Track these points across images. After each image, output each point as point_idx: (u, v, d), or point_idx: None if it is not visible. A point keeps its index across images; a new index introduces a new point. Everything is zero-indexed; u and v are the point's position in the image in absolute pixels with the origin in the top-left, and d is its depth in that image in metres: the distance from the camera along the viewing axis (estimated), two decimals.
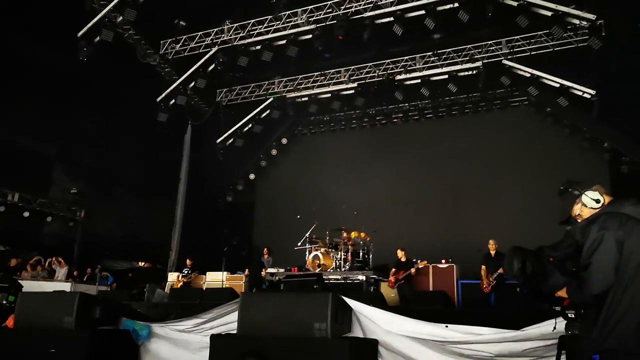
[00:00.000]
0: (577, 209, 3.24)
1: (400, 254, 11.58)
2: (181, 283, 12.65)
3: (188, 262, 13.28)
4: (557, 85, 13.48)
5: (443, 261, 12.40)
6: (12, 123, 12.48)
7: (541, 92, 13.80)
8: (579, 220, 3.21)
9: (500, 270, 9.50)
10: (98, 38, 12.65)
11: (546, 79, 13.65)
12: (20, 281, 8.43)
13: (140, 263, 17.19)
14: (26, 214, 13.43)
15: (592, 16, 11.49)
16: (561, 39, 13.19)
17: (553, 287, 3.21)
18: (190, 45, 14.97)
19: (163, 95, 15.12)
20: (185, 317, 6.07)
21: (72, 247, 14.58)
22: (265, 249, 13.97)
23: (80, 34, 12.68)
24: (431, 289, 11.84)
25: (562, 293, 3.13)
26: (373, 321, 5.06)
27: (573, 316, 3.27)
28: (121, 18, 13.09)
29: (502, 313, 6.85)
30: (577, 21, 11.83)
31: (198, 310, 6.07)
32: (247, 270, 13.03)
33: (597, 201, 3.13)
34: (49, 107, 13.06)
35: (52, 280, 12.41)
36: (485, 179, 15.57)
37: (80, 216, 14.71)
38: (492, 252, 10.26)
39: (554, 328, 3.80)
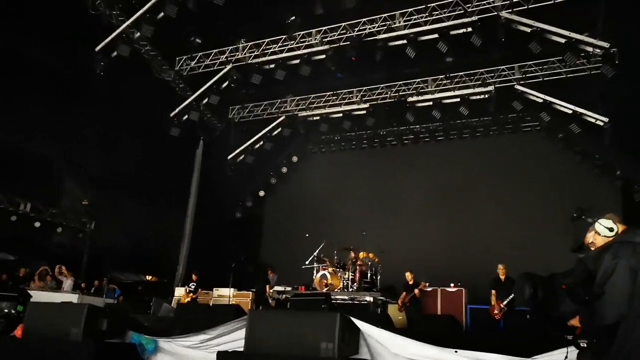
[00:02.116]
0: (590, 237, 3.23)
1: (408, 276, 11.52)
2: (189, 298, 12.62)
3: (193, 277, 13.28)
4: (570, 111, 13.46)
5: (452, 285, 12.30)
6: (26, 133, 12.66)
7: (553, 118, 13.80)
8: (592, 249, 3.20)
9: (512, 296, 9.38)
10: (115, 53, 12.87)
11: (558, 104, 13.63)
12: (29, 291, 8.47)
13: (147, 276, 17.19)
14: (37, 224, 13.53)
15: (605, 44, 11.51)
16: (574, 66, 13.22)
17: (564, 315, 3.19)
18: (205, 63, 15.18)
19: (177, 110, 15.29)
20: (191, 332, 6.06)
21: (80, 258, 14.63)
22: (268, 268, 13.90)
23: (98, 48, 12.90)
24: (439, 312, 11.72)
25: (575, 322, 3.11)
26: (381, 343, 5.03)
27: (585, 345, 3.23)
28: (138, 34, 13.31)
29: (512, 340, 6.77)
30: (590, 49, 11.86)
31: (204, 326, 6.06)
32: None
33: (611, 229, 3.13)
34: (62, 118, 13.20)
35: (60, 291, 12.43)
36: (494, 202, 15.49)
37: (90, 227, 14.79)
38: (502, 277, 10.15)
39: (566, 357, 3.74)
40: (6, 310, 7.23)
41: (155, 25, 12.59)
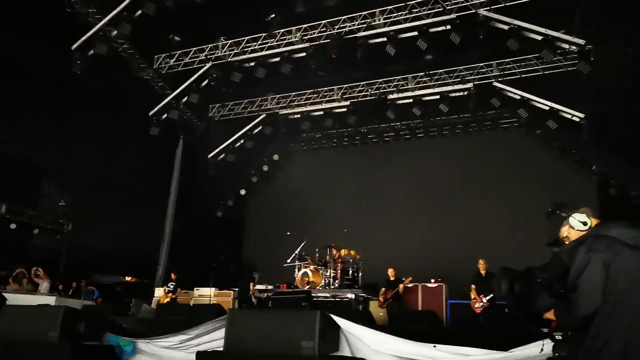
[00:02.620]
0: (564, 231, 3.26)
1: (390, 272, 11.57)
2: (168, 298, 12.50)
3: (173, 276, 13.15)
4: (547, 107, 13.65)
5: (432, 280, 12.42)
6: (2, 133, 12.41)
7: (531, 114, 13.97)
8: (567, 243, 3.23)
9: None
10: (92, 51, 12.66)
11: (536, 101, 13.81)
12: (4, 294, 8.30)
13: (127, 277, 16.98)
14: (13, 226, 13.29)
15: (581, 41, 11.68)
16: (551, 63, 13.41)
17: (540, 309, 3.22)
18: (185, 61, 15.03)
19: (156, 109, 15.10)
20: (171, 333, 6.00)
21: (58, 260, 14.41)
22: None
23: (74, 47, 12.68)
24: (420, 308, 11.82)
25: (550, 315, 3.14)
26: (361, 340, 5.04)
27: (560, 338, 3.27)
28: (116, 32, 13.11)
29: (490, 334, 6.85)
30: (566, 46, 12.04)
31: (184, 326, 6.01)
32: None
33: (585, 224, 3.16)
34: (40, 117, 12.98)
35: (36, 293, 12.22)
36: (474, 198, 15.65)
37: (67, 229, 14.56)
38: (483, 272, 10.26)
39: (541, 350, 3.80)
40: None
41: (133, 23, 12.42)
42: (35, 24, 11.78)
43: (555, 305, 3.12)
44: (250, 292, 12.66)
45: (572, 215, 3.21)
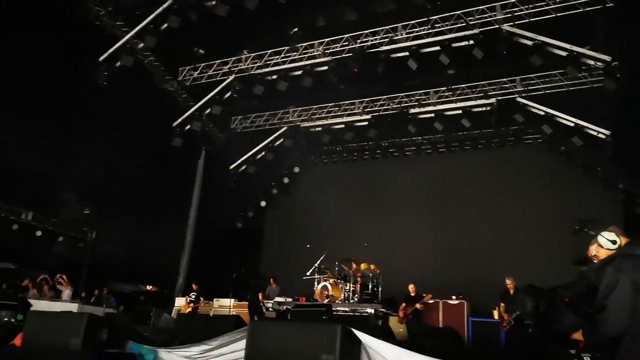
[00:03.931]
0: (592, 250, 3.21)
1: (411, 288, 11.47)
2: (190, 308, 12.57)
3: (194, 286, 13.24)
4: (572, 124, 13.48)
5: (454, 297, 12.25)
6: (27, 142, 12.69)
7: (555, 131, 13.81)
8: (595, 261, 3.18)
9: None
10: (118, 63, 12.93)
11: (560, 117, 13.66)
12: (29, 300, 8.44)
13: (147, 286, 17.14)
14: (38, 233, 13.54)
15: (607, 57, 11.55)
16: (576, 79, 13.27)
17: (567, 328, 3.17)
18: (208, 73, 15.26)
19: (179, 120, 15.33)
20: (192, 343, 6.02)
21: (80, 267, 14.62)
22: (272, 278, 13.89)
23: (101, 58, 12.96)
24: (441, 325, 11.65)
25: (578, 335, 3.08)
26: (382, 355, 4.98)
27: (589, 359, 3.21)
28: (142, 45, 13.39)
29: (513, 353, 6.72)
30: (591, 62, 11.90)
31: (205, 336, 6.02)
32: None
33: (614, 242, 3.11)
34: (63, 128, 13.24)
35: (59, 300, 12.40)
36: (497, 215, 15.45)
37: (91, 237, 14.78)
38: (512, 291, 10.10)
39: None
40: (6, 319, 7.21)
41: (158, 36, 12.66)
42: (61, 36, 12.06)
43: (583, 325, 3.07)
44: (261, 302, 12.66)
45: (601, 233, 3.16)
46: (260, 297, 12.73)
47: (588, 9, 11.12)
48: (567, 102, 13.61)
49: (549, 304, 3.17)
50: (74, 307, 11.36)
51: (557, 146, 15.15)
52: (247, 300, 12.99)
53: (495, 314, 10.11)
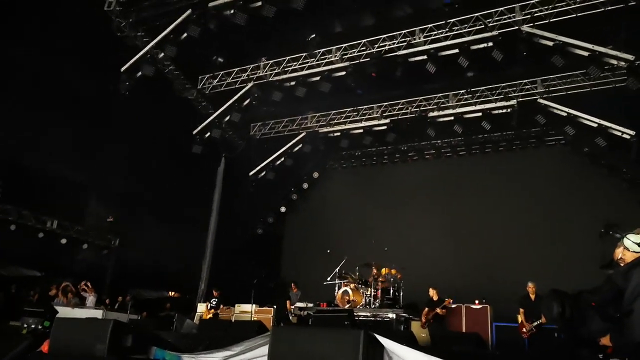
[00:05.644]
0: (619, 253, 3.17)
1: (432, 292, 11.38)
2: (211, 314, 12.66)
3: (215, 293, 13.32)
4: (595, 125, 13.24)
5: (477, 302, 12.08)
6: (51, 151, 12.95)
7: (578, 132, 13.58)
8: (621, 265, 3.13)
9: (543, 320, 9.17)
10: (140, 73, 13.15)
11: (583, 118, 13.43)
12: (55, 307, 8.60)
13: (170, 293, 17.31)
14: (63, 241, 13.79)
15: (630, 57, 11.33)
16: (598, 79, 13.05)
17: (594, 333, 3.12)
18: (227, 81, 15.42)
19: (199, 128, 15.50)
20: (214, 348, 6.06)
21: (104, 274, 14.82)
22: (293, 283, 13.95)
23: (123, 68, 13.20)
24: (464, 330, 11.52)
25: (606, 341, 3.03)
26: None
27: None
28: (162, 54, 13.60)
29: (538, 359, 6.62)
30: (614, 61, 11.69)
31: (228, 342, 6.06)
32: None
33: None
34: (87, 138, 13.48)
35: (83, 307, 12.60)
36: (519, 218, 15.24)
37: (114, 244, 15.00)
38: (532, 296, 9.93)
39: None
40: (33, 326, 7.36)
41: (178, 45, 12.86)
42: (85, 47, 12.30)
43: (610, 329, 3.02)
44: (287, 310, 12.68)
45: (627, 236, 3.11)
46: (287, 305, 12.77)
47: (609, 8, 10.94)
48: (590, 103, 13.38)
49: (575, 308, 3.12)
50: (98, 313, 11.52)
51: (581, 147, 14.90)
52: (276, 304, 13.07)
53: (520, 318, 9.95)
